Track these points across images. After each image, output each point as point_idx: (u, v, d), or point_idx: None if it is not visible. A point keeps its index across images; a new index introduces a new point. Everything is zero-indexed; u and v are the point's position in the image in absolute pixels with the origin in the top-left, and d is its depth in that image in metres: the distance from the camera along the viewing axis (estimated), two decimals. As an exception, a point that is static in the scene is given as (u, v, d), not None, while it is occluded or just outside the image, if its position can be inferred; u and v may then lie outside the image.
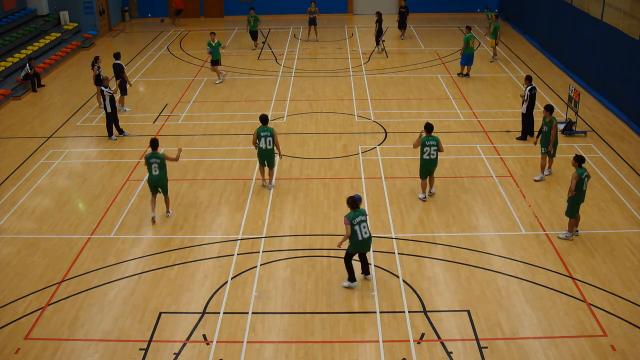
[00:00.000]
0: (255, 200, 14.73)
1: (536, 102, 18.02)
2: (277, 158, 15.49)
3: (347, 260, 11.46)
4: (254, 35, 27.95)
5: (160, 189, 13.95)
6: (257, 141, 14.72)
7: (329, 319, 10.85)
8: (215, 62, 23.41)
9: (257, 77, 24.21)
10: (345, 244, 11.45)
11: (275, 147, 14.87)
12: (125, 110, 20.85)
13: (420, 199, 14.56)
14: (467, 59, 23.37)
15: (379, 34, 27.32)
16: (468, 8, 34.39)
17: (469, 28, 24.18)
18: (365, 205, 14.44)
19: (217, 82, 23.52)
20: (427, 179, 14.51)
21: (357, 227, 11.11)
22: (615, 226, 13.58)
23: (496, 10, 34.56)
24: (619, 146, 17.55)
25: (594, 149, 17.35)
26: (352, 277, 11.59)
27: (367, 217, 11.43)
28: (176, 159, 14.12)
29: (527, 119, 17.71)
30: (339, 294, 11.46)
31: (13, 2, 28.63)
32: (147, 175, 13.96)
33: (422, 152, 14.10)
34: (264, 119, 14.85)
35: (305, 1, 30.56)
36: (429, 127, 14.12)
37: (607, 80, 20.86)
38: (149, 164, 13.70)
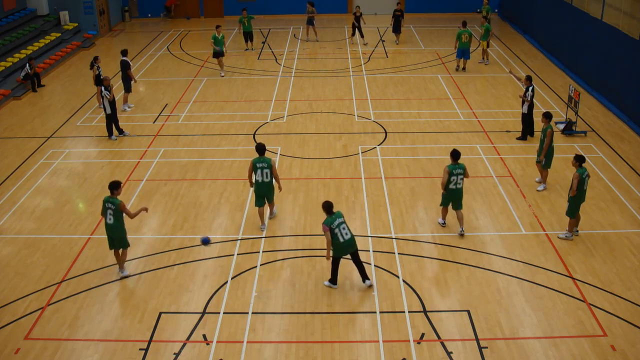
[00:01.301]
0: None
1: (535, 101, 18.02)
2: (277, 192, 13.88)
3: (334, 263, 11.42)
4: (249, 36, 27.84)
5: (115, 242, 11.89)
6: (253, 174, 13.11)
7: (329, 319, 10.85)
8: (218, 54, 23.93)
9: (257, 77, 24.22)
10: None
11: (274, 180, 13.20)
12: (128, 108, 20.90)
13: (439, 223, 13.59)
14: (460, 53, 24.11)
15: (356, 26, 28.24)
16: (468, 8, 34.39)
17: (464, 24, 24.50)
18: (365, 205, 14.45)
19: (222, 74, 24.15)
20: (450, 206, 13.32)
21: (337, 230, 11.02)
22: (615, 226, 13.58)
23: (496, 10, 34.58)
24: (619, 146, 17.55)
25: (594, 149, 17.35)
26: (334, 280, 11.55)
27: (343, 217, 11.21)
28: (132, 216, 11.86)
29: (529, 119, 17.71)
30: (339, 294, 11.46)
31: (13, 2, 28.62)
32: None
33: (449, 182, 12.90)
34: (260, 148, 13.19)
35: (305, 1, 30.54)
36: (455, 154, 12.91)
37: (607, 80, 20.86)
38: (104, 209, 11.80)
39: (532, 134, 17.84)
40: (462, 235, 13.14)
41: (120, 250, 12.02)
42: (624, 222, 13.74)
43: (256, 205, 13.34)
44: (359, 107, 20.82)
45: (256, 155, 13.23)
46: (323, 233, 11.20)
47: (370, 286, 11.53)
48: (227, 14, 35.03)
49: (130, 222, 13.96)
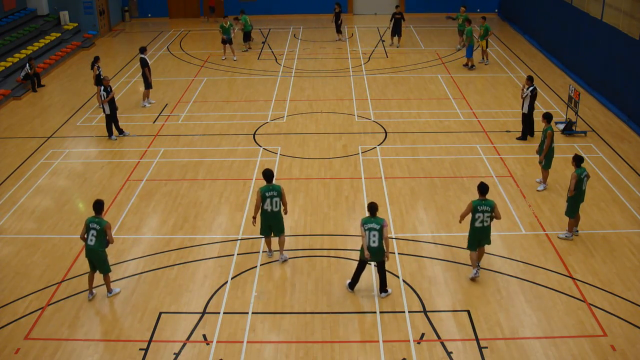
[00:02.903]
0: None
1: (536, 102, 18.01)
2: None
3: (358, 265, 11.32)
4: (247, 36, 28.00)
5: (95, 265, 11.25)
6: (261, 203, 12.02)
7: (329, 319, 10.85)
8: (227, 41, 25.99)
9: (257, 77, 24.22)
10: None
11: (282, 208, 12.22)
12: (148, 104, 21.18)
13: (471, 278, 11.80)
14: (469, 50, 24.43)
15: (336, 22, 28.98)
16: (468, 8, 34.29)
17: (469, 21, 24.86)
18: (365, 205, 14.43)
19: (222, 58, 26.43)
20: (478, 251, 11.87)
21: (367, 232, 10.88)
22: (615, 226, 13.58)
23: (496, 10, 34.58)
24: (619, 146, 17.55)
25: (594, 149, 17.35)
26: (352, 284, 11.46)
27: (383, 228, 10.85)
28: (112, 241, 11.22)
29: (529, 119, 17.70)
30: (339, 294, 11.46)
31: (13, 2, 28.63)
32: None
33: (474, 219, 11.52)
34: (268, 175, 12.08)
35: (305, 1, 30.56)
36: (483, 188, 11.50)
37: (607, 80, 20.86)
38: (87, 230, 11.12)
39: (532, 134, 17.84)
40: (477, 271, 11.81)
41: (102, 276, 11.41)
42: (624, 222, 13.74)
43: (262, 234, 12.35)
44: (359, 107, 20.82)
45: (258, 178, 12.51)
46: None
47: (382, 298, 11.38)
48: (228, 13, 34.94)
49: (131, 222, 14.00)
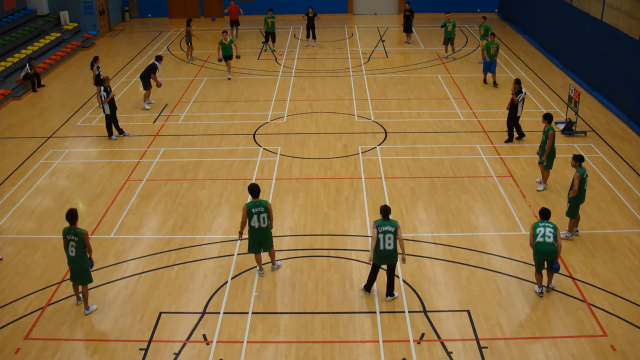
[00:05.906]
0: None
1: (535, 102, 17.95)
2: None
3: (372, 269, 11.27)
4: (271, 36, 27.77)
5: (78, 279, 10.99)
6: (248, 220, 11.58)
7: (329, 319, 10.85)
8: (227, 58, 23.64)
9: (257, 77, 24.22)
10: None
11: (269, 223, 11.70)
12: (148, 105, 21.04)
13: (537, 292, 11.37)
14: (487, 65, 22.63)
15: (309, 27, 28.30)
16: (468, 8, 34.39)
17: (493, 35, 22.80)
18: (365, 205, 14.44)
19: (228, 77, 23.90)
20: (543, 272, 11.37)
21: (381, 236, 10.82)
22: (615, 226, 13.58)
23: (496, 10, 34.61)
24: (619, 146, 17.55)
25: (594, 149, 17.35)
26: (368, 286, 11.42)
27: (397, 231, 10.86)
28: (90, 250, 10.93)
29: (515, 121, 17.49)
30: (339, 294, 11.46)
31: (13, 2, 28.63)
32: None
33: (536, 234, 11.10)
34: (253, 190, 11.66)
35: (305, 1, 30.55)
36: (545, 213, 11.31)
37: (607, 80, 20.86)
38: (65, 242, 10.83)
39: (520, 134, 17.66)
40: (549, 289, 11.45)
41: (81, 287, 11.06)
42: (624, 222, 13.75)
43: (251, 252, 11.85)
44: (359, 107, 20.82)
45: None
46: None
47: (389, 302, 11.32)
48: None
49: (131, 222, 14.00)
